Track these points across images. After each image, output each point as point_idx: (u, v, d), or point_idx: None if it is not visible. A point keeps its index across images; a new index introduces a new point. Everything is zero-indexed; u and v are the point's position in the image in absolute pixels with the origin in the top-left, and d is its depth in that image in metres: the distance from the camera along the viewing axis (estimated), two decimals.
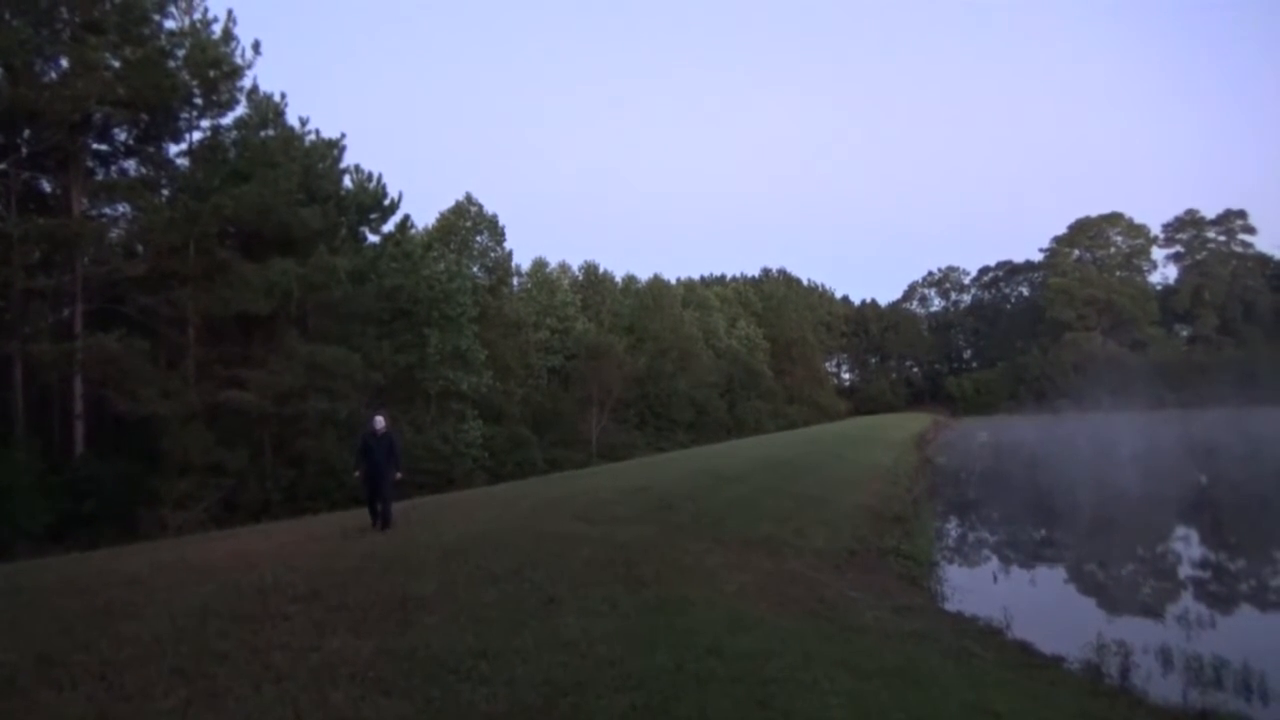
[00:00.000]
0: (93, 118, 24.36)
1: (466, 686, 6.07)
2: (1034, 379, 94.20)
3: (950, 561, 16.79)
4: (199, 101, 27.93)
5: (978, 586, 13.98)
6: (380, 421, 12.99)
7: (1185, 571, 16.24)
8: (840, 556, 13.98)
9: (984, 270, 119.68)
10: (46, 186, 26.29)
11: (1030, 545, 19.47)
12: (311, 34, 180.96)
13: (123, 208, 27.33)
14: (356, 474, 13.32)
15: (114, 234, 27.08)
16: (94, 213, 26.64)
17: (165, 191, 27.91)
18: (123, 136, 27.44)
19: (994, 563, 17.21)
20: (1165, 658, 9.72)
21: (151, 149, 28.07)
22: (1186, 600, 13.48)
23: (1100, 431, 60.73)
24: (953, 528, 22.19)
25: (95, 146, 26.69)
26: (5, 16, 21.29)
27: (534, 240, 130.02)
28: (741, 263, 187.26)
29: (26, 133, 23.97)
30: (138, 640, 6.95)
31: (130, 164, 28.11)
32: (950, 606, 11.97)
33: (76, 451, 23.79)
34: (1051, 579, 15.87)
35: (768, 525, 15.27)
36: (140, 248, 26.45)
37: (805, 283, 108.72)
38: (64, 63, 23.51)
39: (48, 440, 23.77)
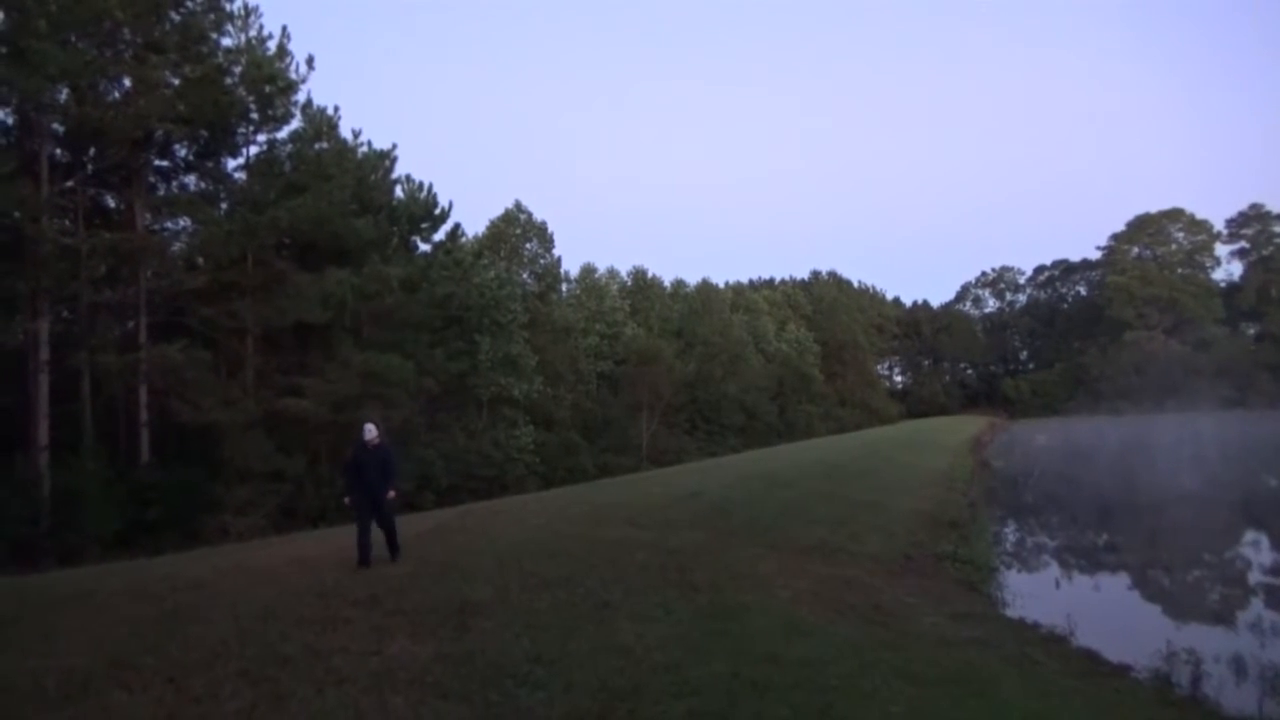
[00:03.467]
0: (154, 135, 25.04)
1: (524, 691, 6.09)
2: (1093, 380, 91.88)
3: (1010, 567, 16.41)
4: (255, 117, 28.56)
5: (1039, 592, 13.64)
6: (372, 431, 11.00)
7: (1256, 578, 15.65)
8: (896, 562, 13.77)
9: (1039, 269, 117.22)
10: (111, 202, 27.07)
11: (1093, 550, 18.97)
12: (362, 46, 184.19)
13: (183, 222, 28.02)
14: (346, 500, 11.09)
15: (175, 247, 27.77)
16: (156, 227, 27.38)
17: (224, 205, 28.55)
18: (183, 152, 28.17)
19: (1055, 568, 16.78)
20: (1238, 667, 9.38)
21: (210, 164, 28.77)
22: (1258, 607, 12.99)
23: (1163, 433, 59.05)
24: (1011, 532, 21.72)
25: (157, 163, 27.43)
26: (70, 39, 21.96)
27: (583, 247, 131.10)
28: (791, 265, 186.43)
29: (92, 150, 24.70)
30: (204, 643, 7.10)
31: (190, 179, 28.82)
32: (1011, 613, 11.69)
33: (142, 459, 24.44)
34: (1116, 585, 15.44)
35: (821, 530, 15.10)
36: (200, 260, 27.09)
37: (856, 285, 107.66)
38: (126, 82, 24.16)
39: (114, 449, 24.45)
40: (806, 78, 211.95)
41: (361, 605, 8.43)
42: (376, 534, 11.01)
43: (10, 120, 23.54)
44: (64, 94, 22.49)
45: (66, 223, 23.56)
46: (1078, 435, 62.47)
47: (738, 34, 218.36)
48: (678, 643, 7.42)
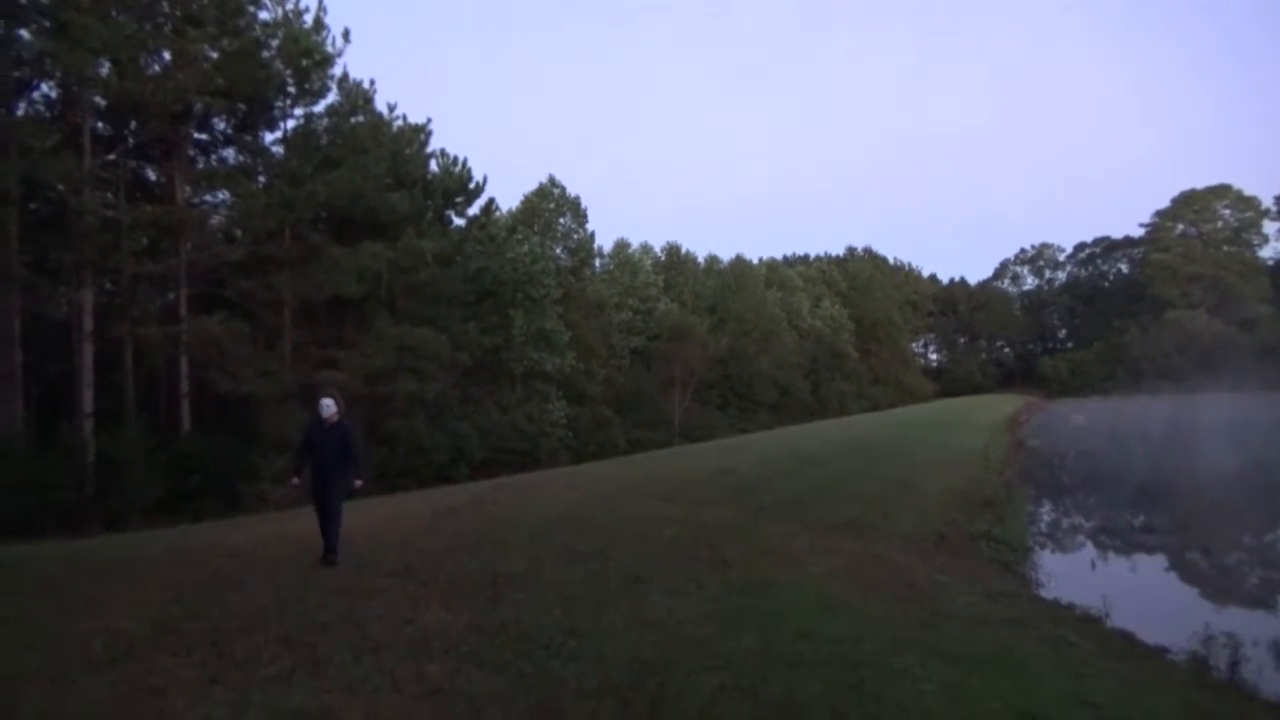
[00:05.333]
0: (193, 108, 25.30)
1: (557, 662, 6.15)
2: (1133, 359, 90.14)
3: (1045, 547, 16.26)
4: (292, 90, 28.78)
5: (1074, 573, 13.50)
6: (330, 406, 9.40)
7: None
8: (929, 541, 13.67)
9: (1080, 246, 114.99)
10: (152, 175, 27.47)
11: (1130, 531, 18.72)
12: (399, 18, 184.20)
13: (222, 195, 28.37)
14: (295, 481, 9.71)
15: (215, 220, 28.16)
16: (196, 200, 27.74)
17: (262, 178, 28.86)
18: (221, 126, 28.46)
19: (1091, 549, 16.60)
20: (1278, 651, 9.25)
21: (248, 137, 29.05)
22: None
23: (1204, 414, 57.92)
24: (1047, 513, 21.50)
25: (196, 136, 27.74)
26: (111, 13, 22.18)
27: (616, 222, 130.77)
28: (825, 242, 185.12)
29: (133, 124, 25.03)
30: (244, 610, 7.24)
31: (229, 152, 29.14)
32: (1046, 593, 11.58)
33: (183, 429, 24.92)
34: (1152, 566, 15.24)
35: (853, 508, 15.03)
36: (239, 233, 27.45)
37: (891, 262, 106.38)
38: (166, 56, 24.42)
39: (156, 418, 24.96)
40: (845, 52, 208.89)
41: (396, 575, 8.55)
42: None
43: (54, 94, 23.90)
44: (105, 68, 22.76)
45: (109, 195, 23.95)
46: (1117, 415, 61.52)
47: (773, 5, 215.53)
48: (709, 617, 7.44)
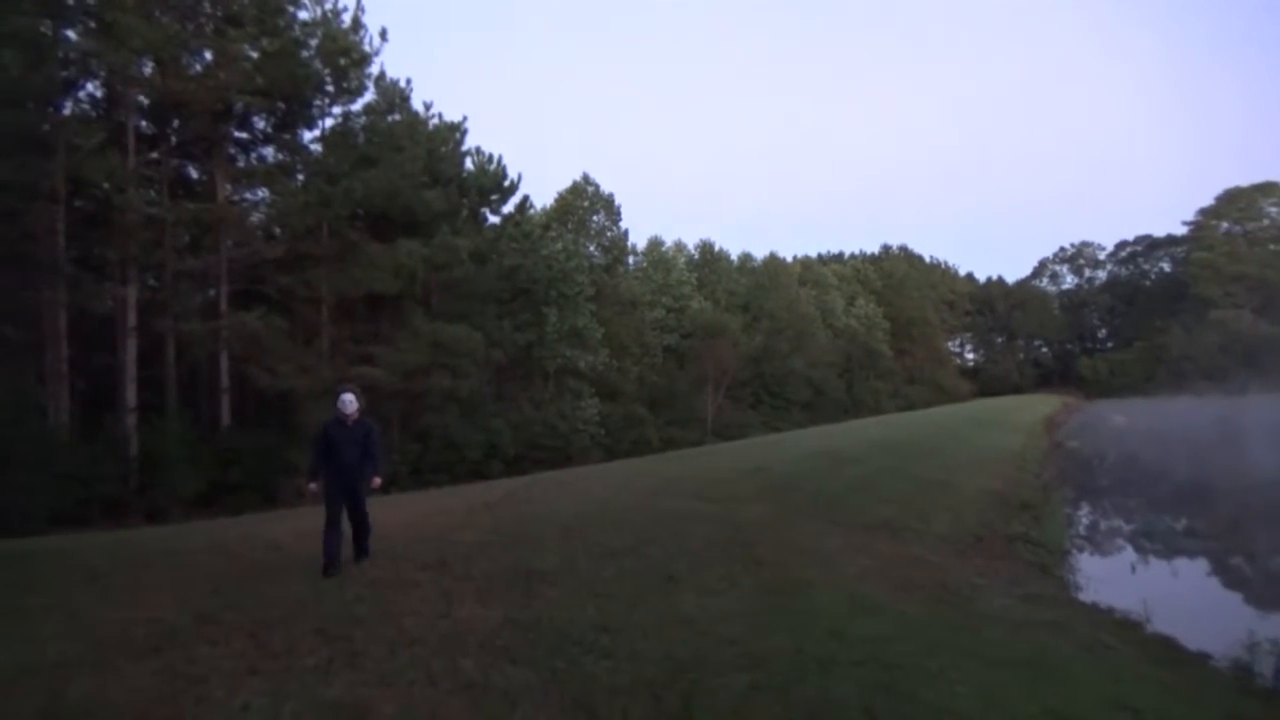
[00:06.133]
0: (234, 107, 25.69)
1: (590, 659, 6.15)
2: (1175, 360, 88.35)
3: (1083, 550, 16.00)
4: (330, 89, 29.12)
5: (1114, 577, 13.28)
6: (351, 403, 8.65)
7: None
8: (965, 542, 13.53)
9: (1121, 245, 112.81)
10: (194, 173, 27.93)
11: (1171, 535, 18.38)
12: (435, 16, 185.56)
13: (262, 192, 28.82)
14: (312, 486, 8.68)
15: (254, 218, 28.57)
16: (236, 198, 28.18)
17: (300, 176, 29.23)
18: (261, 124, 28.86)
19: (1131, 552, 16.31)
20: None
21: (287, 136, 29.43)
22: None
23: (1249, 415, 56.60)
24: (1086, 515, 21.16)
25: (237, 134, 28.16)
26: (154, 13, 22.57)
27: (650, 219, 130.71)
28: (860, 240, 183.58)
29: (175, 123, 25.47)
30: (282, 601, 7.33)
31: (268, 151, 29.55)
32: (1084, 597, 11.39)
33: (223, 423, 25.32)
34: (1194, 571, 14.94)
35: (888, 508, 14.90)
36: (278, 230, 27.83)
37: (927, 260, 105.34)
38: (207, 55, 24.81)
39: (197, 413, 25.38)
40: (880, 48, 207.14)
41: (430, 569, 8.60)
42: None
43: (99, 94, 24.38)
44: (149, 67, 23.16)
45: (152, 193, 24.37)
46: (1158, 416, 60.36)
47: (799, 5, 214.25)
48: (741, 616, 7.41)
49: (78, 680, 5.50)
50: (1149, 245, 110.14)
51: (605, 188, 50.31)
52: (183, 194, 26.25)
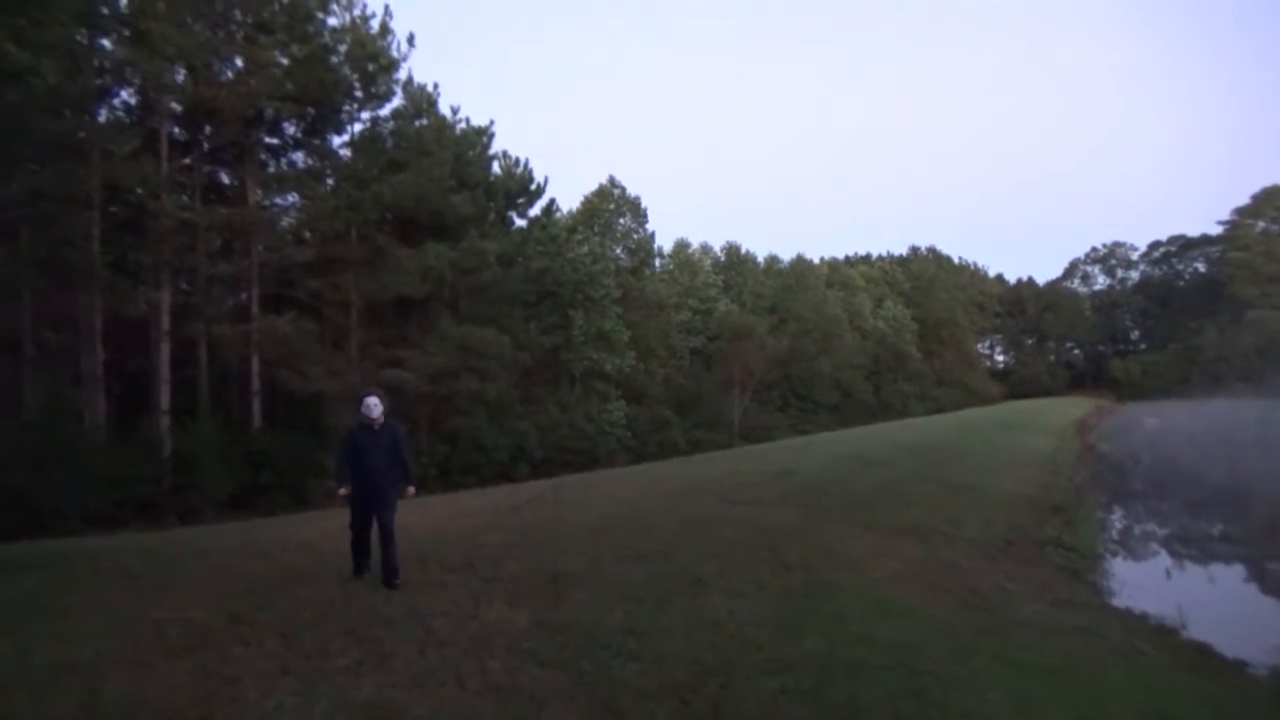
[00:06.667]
0: (264, 113, 26.00)
1: (617, 662, 6.16)
2: (1210, 362, 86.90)
3: (1117, 555, 15.78)
4: (359, 94, 29.42)
5: (1148, 582, 13.08)
6: (376, 407, 8.16)
7: None
8: (995, 546, 13.38)
9: (1154, 245, 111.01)
10: (225, 179, 28.29)
11: (1207, 540, 18.07)
12: (459, 19, 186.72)
13: (292, 197, 29.11)
14: (342, 491, 8.26)
15: (284, 222, 28.88)
16: (267, 202, 28.51)
17: (329, 181, 29.52)
18: (291, 130, 29.19)
19: (1166, 557, 16.05)
20: None
21: (317, 141, 29.75)
22: None
23: None
24: (1119, 519, 20.86)
25: (267, 140, 28.51)
26: (186, 21, 22.90)
27: (676, 222, 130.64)
28: (888, 241, 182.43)
29: (207, 129, 25.81)
30: (313, 602, 7.41)
31: (298, 156, 29.88)
32: (1117, 602, 11.23)
33: (254, 426, 25.61)
34: (1231, 576, 14.69)
35: (917, 512, 14.78)
36: (308, 235, 28.12)
37: (956, 261, 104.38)
38: (238, 62, 25.15)
39: (228, 415, 25.69)
40: (907, 45, 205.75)
41: (459, 572, 8.65)
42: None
43: (133, 101, 24.76)
44: (181, 74, 23.50)
45: (185, 198, 24.73)
46: (1193, 419, 59.36)
47: (825, 8, 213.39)
48: (769, 620, 7.38)
49: (115, 678, 5.60)
50: (1183, 245, 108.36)
51: (631, 190, 50.44)
52: (214, 199, 26.61)
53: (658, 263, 56.08)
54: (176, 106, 24.52)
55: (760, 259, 67.85)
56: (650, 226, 51.75)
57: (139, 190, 22.76)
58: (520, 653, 6.27)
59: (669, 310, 50.93)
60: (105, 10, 21.46)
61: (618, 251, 47.80)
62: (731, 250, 65.70)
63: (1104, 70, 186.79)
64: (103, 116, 23.44)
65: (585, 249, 39.80)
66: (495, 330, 30.65)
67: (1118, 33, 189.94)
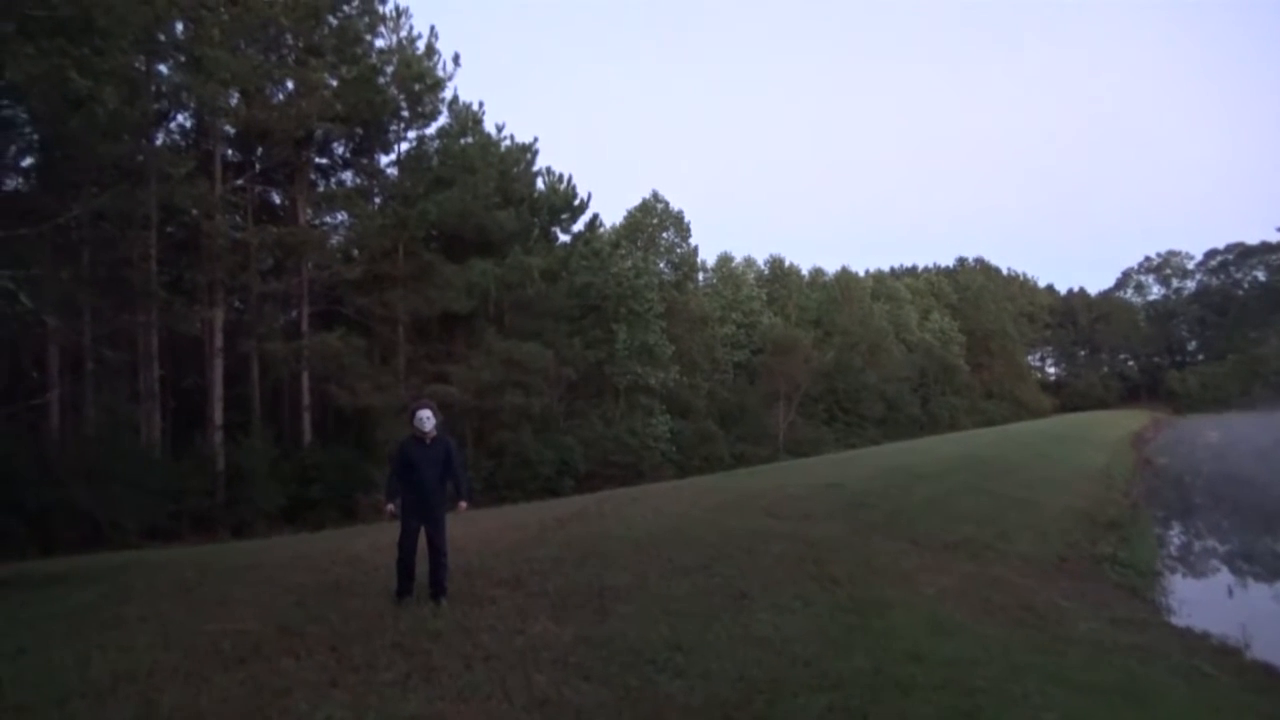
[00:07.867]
0: (314, 134, 26.59)
1: (663, 678, 6.12)
2: (1273, 373, 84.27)
3: (1176, 572, 15.37)
4: (406, 114, 29.95)
5: (1209, 600, 12.72)
6: (429, 420, 7.88)
7: None
8: (1049, 562, 13.11)
9: (1211, 253, 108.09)
10: (276, 199, 28.93)
11: (1271, 556, 17.51)
12: (503, 38, 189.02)
13: (341, 215, 29.68)
14: (390, 508, 8.21)
15: (334, 240, 29.41)
16: (317, 221, 29.08)
17: (377, 200, 30.04)
18: (340, 150, 29.82)
19: (1227, 575, 15.59)
20: None
21: (365, 160, 30.34)
22: None
23: None
24: (1178, 535, 20.33)
25: (317, 160, 29.14)
26: (240, 45, 23.50)
27: (720, 235, 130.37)
28: (935, 252, 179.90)
29: (259, 150, 26.43)
30: (362, 615, 7.49)
31: (347, 175, 30.52)
32: (1177, 621, 10.92)
33: (305, 440, 26.05)
34: None
35: (967, 527, 14.54)
36: (356, 252, 28.61)
37: (1005, 272, 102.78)
38: (289, 85, 25.74)
39: (280, 430, 26.18)
40: (954, 56, 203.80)
41: (505, 585, 8.68)
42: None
43: (189, 124, 25.48)
44: (235, 98, 24.09)
45: (237, 218, 25.32)
46: (1255, 432, 57.53)
47: (872, 10, 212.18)
48: (816, 636, 7.28)
49: (170, 690, 5.69)
50: (1241, 253, 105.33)
51: (674, 205, 50.53)
52: (266, 218, 27.22)
53: (701, 276, 56.08)
54: (230, 129, 25.18)
55: (805, 272, 67.58)
56: (694, 240, 51.84)
57: (194, 211, 23.36)
58: (566, 667, 6.26)
59: (713, 324, 50.81)
60: (163, 37, 22.08)
61: (661, 265, 47.86)
62: (775, 263, 65.51)
63: (1156, 75, 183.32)
64: (160, 140, 24.15)
65: (629, 263, 39.93)
66: (540, 345, 30.86)
67: (1170, 40, 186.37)
